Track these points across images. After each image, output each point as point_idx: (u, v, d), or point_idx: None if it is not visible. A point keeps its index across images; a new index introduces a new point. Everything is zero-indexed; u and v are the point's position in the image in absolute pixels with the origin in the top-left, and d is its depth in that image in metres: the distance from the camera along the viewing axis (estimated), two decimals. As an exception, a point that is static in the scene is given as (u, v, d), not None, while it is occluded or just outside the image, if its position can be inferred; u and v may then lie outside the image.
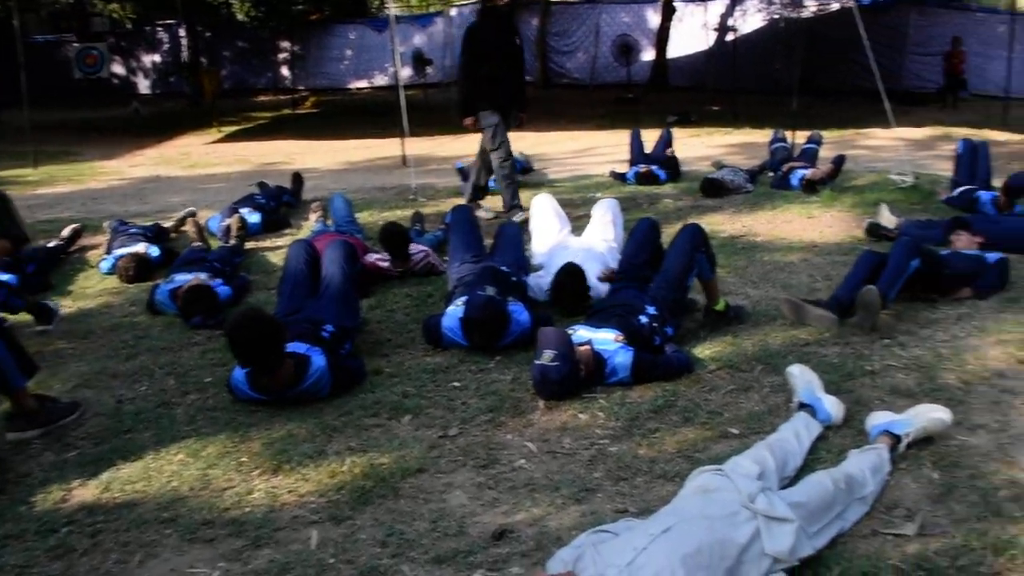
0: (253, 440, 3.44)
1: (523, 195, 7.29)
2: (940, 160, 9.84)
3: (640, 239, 4.42)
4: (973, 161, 7.50)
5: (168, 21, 22.83)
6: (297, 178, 8.42)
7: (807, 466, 3.03)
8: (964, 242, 5.43)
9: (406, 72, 20.42)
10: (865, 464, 2.92)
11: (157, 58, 24.03)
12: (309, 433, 3.47)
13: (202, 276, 5.02)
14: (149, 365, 4.30)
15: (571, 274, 4.66)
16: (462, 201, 7.22)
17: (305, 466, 3.21)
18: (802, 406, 3.39)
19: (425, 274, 5.52)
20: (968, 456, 3.14)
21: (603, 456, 3.21)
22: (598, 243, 5.27)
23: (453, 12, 21.41)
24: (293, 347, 3.72)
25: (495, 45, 6.95)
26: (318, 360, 3.69)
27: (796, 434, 3.15)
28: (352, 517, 2.88)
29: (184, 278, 4.97)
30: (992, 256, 5.15)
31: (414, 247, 5.54)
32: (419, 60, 19.64)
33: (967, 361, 3.99)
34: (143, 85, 23.95)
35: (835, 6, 19.51)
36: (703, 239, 4.28)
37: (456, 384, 3.89)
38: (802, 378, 3.51)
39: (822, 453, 3.16)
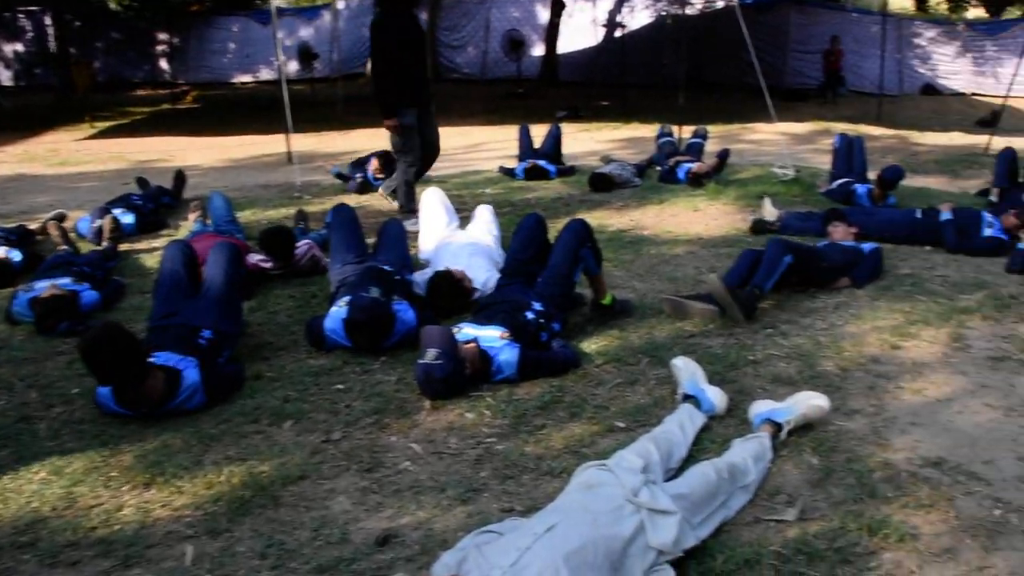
0: (124, 453, 3.25)
1: (377, 196, 7.23)
2: (820, 154, 10.20)
3: (526, 235, 4.39)
4: (849, 155, 7.80)
5: (31, 8, 21.31)
6: (180, 176, 8.04)
7: (692, 456, 3.07)
8: (840, 233, 5.62)
9: (292, 66, 19.97)
10: (748, 452, 2.96)
11: (20, 47, 22.50)
12: (185, 443, 3.31)
13: (62, 282, 4.70)
14: (8, 377, 4.02)
15: (444, 278, 4.59)
16: (345, 200, 7.04)
17: (180, 478, 3.05)
18: (686, 397, 3.42)
19: (310, 270, 5.37)
20: (845, 440, 3.24)
21: (490, 455, 3.17)
22: (484, 236, 5.23)
23: (340, 5, 20.96)
24: (164, 358, 3.54)
25: (405, 39, 6.53)
26: (191, 375, 3.52)
27: (680, 425, 3.18)
28: (230, 529, 2.76)
29: (43, 285, 4.67)
30: (867, 247, 5.37)
31: (297, 243, 5.39)
32: (305, 54, 19.21)
33: (844, 348, 4.13)
34: (5, 76, 22.37)
35: (720, 4, 20.04)
36: (588, 234, 4.28)
37: (340, 387, 3.79)
38: (686, 370, 3.54)
39: (706, 443, 3.20)
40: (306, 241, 5.44)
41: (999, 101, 12.67)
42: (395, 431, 3.38)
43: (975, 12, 27.60)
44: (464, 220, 5.89)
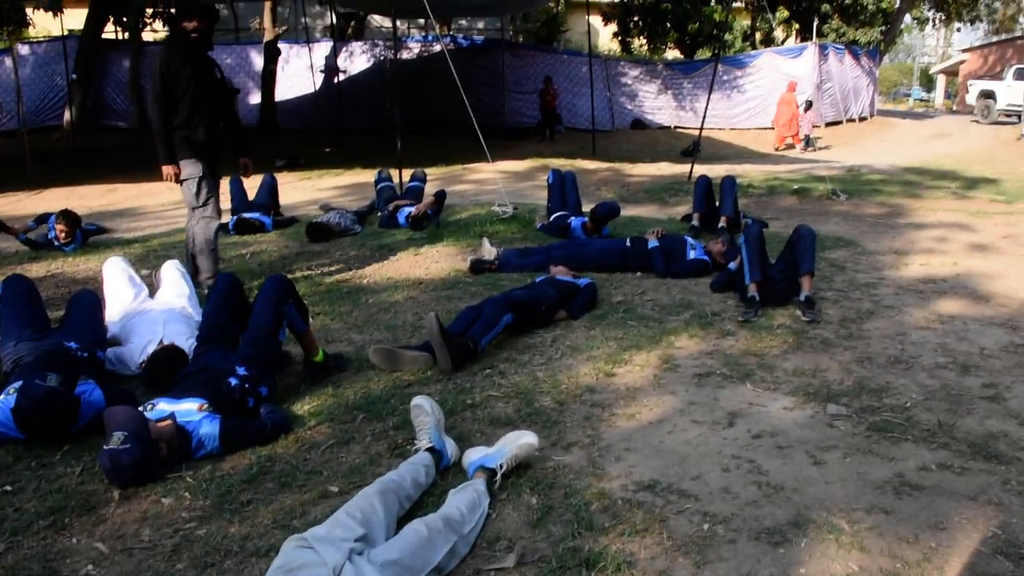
0: None
1: (94, 259, 6.56)
2: (539, 189, 10.59)
3: (219, 297, 4.06)
4: (562, 189, 8.11)
5: None
6: None
7: (407, 512, 2.91)
8: (560, 271, 5.75)
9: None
10: (463, 503, 2.85)
11: None
12: None
13: None
14: None
15: (163, 353, 4.15)
16: (31, 268, 6.30)
17: None
18: (431, 450, 3.23)
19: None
20: (563, 476, 3.22)
21: (189, 542, 2.83)
22: (176, 300, 4.83)
23: (24, 51, 19.21)
24: None
25: (193, 79, 5.69)
26: None
27: (415, 481, 3.01)
28: None
29: None
30: (583, 281, 5.56)
31: None
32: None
33: (561, 382, 4.16)
34: None
35: (437, 47, 20.51)
36: (289, 289, 4.06)
37: (8, 488, 3.24)
38: (432, 415, 3.34)
39: (423, 497, 3.06)
40: None
41: (696, 133, 13.83)
42: (77, 531, 2.94)
43: (672, 53, 30.30)
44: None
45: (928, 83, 59.19)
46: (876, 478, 3.17)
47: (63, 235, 7.41)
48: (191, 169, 5.78)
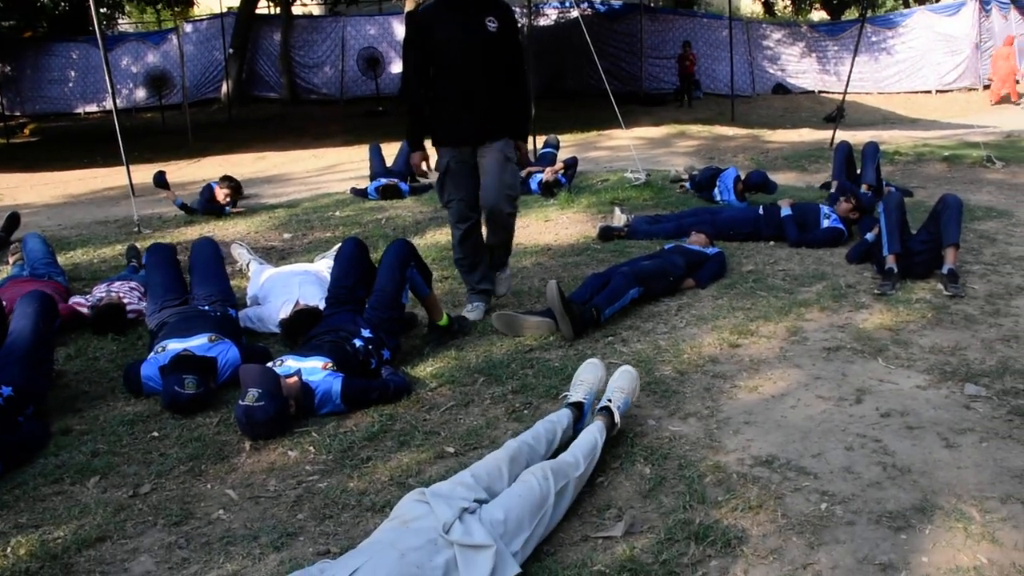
0: None
1: (243, 223, 6.76)
2: (674, 156, 10.39)
3: (346, 260, 4.19)
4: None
5: None
6: (12, 219, 7.41)
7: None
8: (698, 240, 5.65)
9: (140, 93, 19.18)
10: (580, 449, 2.86)
11: None
12: (-31, 516, 2.98)
13: None
14: None
15: (304, 316, 4.31)
16: (189, 231, 6.68)
17: (-45, 559, 2.73)
18: (576, 405, 3.20)
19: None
20: (678, 446, 3.18)
21: (310, 494, 2.98)
22: (315, 265, 5.06)
23: (188, 28, 20.28)
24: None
25: (453, 40, 4.39)
26: None
27: (549, 444, 2.96)
28: (9, 610, 2.47)
29: None
30: (712, 250, 5.44)
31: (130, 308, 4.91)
32: (155, 80, 18.43)
33: (683, 351, 4.10)
34: None
35: (574, 14, 20.35)
36: (412, 254, 4.15)
37: (155, 434, 3.51)
38: (599, 382, 3.31)
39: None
40: (137, 307, 4.94)
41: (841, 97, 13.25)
42: (211, 477, 3.15)
43: (818, 15, 29.02)
44: (320, 241, 5.58)
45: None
46: (1015, 466, 2.97)
47: (225, 198, 7.82)
48: (441, 159, 4.61)
